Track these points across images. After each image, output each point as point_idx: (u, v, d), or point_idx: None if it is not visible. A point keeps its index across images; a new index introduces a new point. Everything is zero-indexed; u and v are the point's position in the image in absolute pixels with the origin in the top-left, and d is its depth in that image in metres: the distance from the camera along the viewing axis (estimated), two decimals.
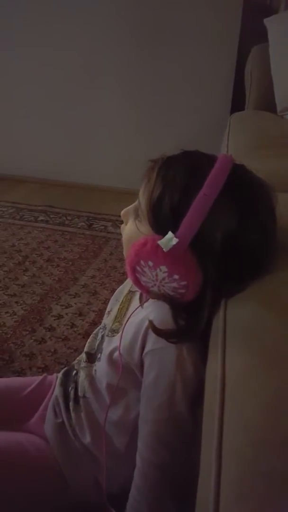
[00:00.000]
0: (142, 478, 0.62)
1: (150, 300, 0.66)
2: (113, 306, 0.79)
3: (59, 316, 1.45)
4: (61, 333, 1.36)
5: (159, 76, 2.28)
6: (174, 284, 0.56)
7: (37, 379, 0.88)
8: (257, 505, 0.33)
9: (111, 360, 0.68)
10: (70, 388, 0.77)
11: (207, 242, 0.55)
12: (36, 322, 1.41)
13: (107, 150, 2.50)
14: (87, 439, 0.72)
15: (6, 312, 1.45)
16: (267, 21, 1.72)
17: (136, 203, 0.63)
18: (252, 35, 1.88)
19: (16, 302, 1.51)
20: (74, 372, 0.80)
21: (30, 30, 2.32)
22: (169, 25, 2.17)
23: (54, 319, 1.43)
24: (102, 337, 0.76)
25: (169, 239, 0.54)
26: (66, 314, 1.46)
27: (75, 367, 0.81)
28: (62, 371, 0.84)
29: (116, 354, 0.66)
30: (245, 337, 0.47)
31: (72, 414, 0.74)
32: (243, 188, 0.57)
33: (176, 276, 0.56)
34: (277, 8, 1.99)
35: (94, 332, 0.83)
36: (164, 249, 0.54)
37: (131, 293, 0.76)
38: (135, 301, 0.73)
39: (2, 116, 2.58)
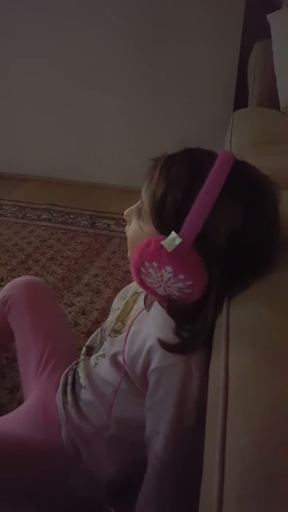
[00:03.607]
0: (151, 488, 0.62)
1: (155, 304, 0.65)
2: (120, 304, 0.79)
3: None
4: None
5: (161, 73, 2.27)
6: (180, 284, 0.56)
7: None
8: (260, 506, 0.33)
9: (115, 361, 0.67)
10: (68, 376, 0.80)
11: (212, 240, 0.54)
12: None
13: (110, 148, 2.49)
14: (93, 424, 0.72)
15: None
16: (270, 17, 1.71)
17: (139, 203, 0.63)
18: (255, 31, 1.87)
19: None
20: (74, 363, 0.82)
21: (31, 29, 2.31)
22: (171, 20, 2.15)
23: None
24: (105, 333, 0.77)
25: (173, 239, 0.53)
26: (69, 312, 1.46)
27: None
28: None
29: (120, 358, 0.65)
30: (248, 338, 0.47)
31: (80, 402, 0.75)
32: (246, 185, 0.56)
33: (181, 276, 0.55)
34: (280, 4, 1.98)
35: (101, 327, 0.83)
36: (167, 250, 0.53)
37: (136, 294, 0.75)
38: (139, 303, 0.72)
39: (4, 115, 2.58)
